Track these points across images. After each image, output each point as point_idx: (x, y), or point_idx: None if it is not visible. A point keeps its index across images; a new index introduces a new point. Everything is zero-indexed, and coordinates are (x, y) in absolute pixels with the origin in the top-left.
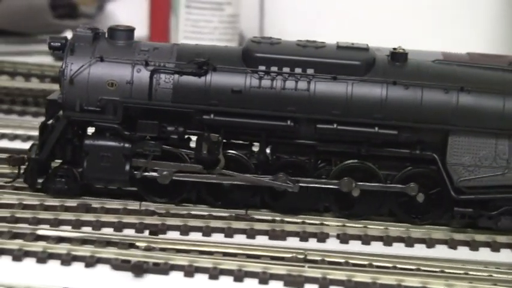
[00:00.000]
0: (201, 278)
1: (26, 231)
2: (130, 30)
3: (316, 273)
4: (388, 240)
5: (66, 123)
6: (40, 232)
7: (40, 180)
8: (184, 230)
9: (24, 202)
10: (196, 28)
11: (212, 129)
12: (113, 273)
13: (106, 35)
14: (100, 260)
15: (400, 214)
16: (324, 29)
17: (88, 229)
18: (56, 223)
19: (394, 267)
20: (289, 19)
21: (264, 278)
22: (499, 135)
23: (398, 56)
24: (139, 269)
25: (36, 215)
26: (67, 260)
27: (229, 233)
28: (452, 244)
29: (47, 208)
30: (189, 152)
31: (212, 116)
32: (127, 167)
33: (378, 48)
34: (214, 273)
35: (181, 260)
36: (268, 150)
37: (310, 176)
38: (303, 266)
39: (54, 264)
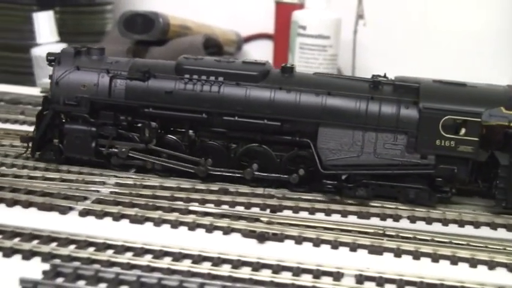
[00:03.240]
0: (307, 246)
1: (181, 207)
2: (101, 49)
3: (392, 244)
4: (445, 222)
5: (53, 113)
6: (191, 208)
7: (38, 153)
8: (296, 210)
9: (181, 186)
10: (306, 64)
11: (151, 119)
12: (243, 239)
13: (86, 52)
14: (234, 230)
15: (289, 187)
16: (403, 65)
17: (226, 207)
18: (202, 202)
19: (450, 242)
20: (375, 58)
21: (353, 247)
22: (355, 127)
23: (286, 69)
24: (262, 237)
25: (189, 195)
26: (210, 229)
27: (328, 212)
28: (493, 226)
29: (197, 190)
30: (137, 135)
31: (151, 109)
32: (93, 144)
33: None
34: (317, 242)
35: (293, 232)
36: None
37: (224, 155)
38: (382, 239)
39: (200, 232)
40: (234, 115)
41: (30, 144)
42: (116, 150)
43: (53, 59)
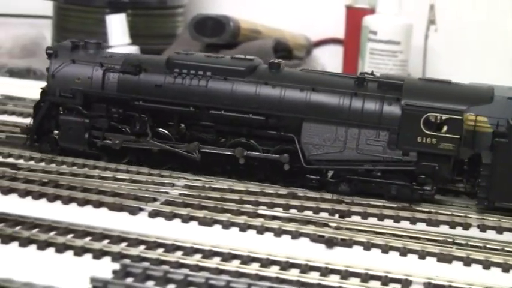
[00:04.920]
0: (376, 252)
1: (249, 210)
2: (98, 43)
3: (461, 253)
4: None
5: (49, 105)
6: (260, 211)
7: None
8: (364, 216)
9: (250, 189)
10: (376, 69)
11: (142, 112)
12: (311, 244)
13: (83, 46)
14: (302, 234)
15: (273, 179)
16: (476, 72)
17: (294, 211)
18: (271, 205)
19: None
20: (447, 64)
21: (422, 254)
22: (338, 123)
23: (274, 65)
24: (330, 242)
25: (257, 199)
26: (278, 233)
27: (397, 219)
28: None
29: (265, 194)
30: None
31: (141, 102)
32: (86, 136)
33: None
34: (385, 249)
35: (361, 238)
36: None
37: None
38: (452, 247)
39: (269, 236)
40: (221, 109)
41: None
42: (109, 142)
43: (52, 53)
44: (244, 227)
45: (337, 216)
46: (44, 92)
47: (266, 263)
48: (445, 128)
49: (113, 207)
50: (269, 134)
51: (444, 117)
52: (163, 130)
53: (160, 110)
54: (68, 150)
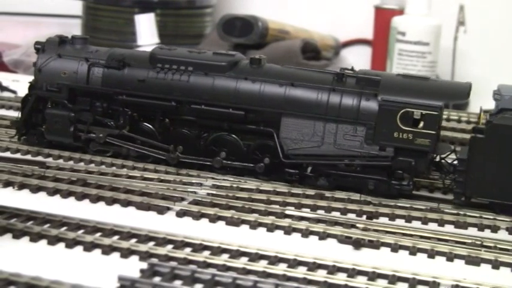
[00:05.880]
0: (403, 254)
1: (277, 211)
2: (85, 38)
3: (490, 256)
4: None
5: (36, 98)
6: (287, 212)
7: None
8: (392, 217)
9: (277, 189)
10: (404, 70)
11: (126, 106)
12: (339, 245)
13: (70, 41)
14: (329, 235)
15: (253, 172)
16: (507, 74)
17: (321, 212)
18: (298, 206)
19: None
20: (476, 66)
21: (450, 256)
22: (316, 118)
23: (255, 61)
24: (358, 244)
25: (285, 199)
26: (306, 233)
27: (425, 221)
28: None
29: (293, 195)
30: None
31: (124, 96)
32: (71, 129)
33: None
34: (413, 251)
35: (389, 239)
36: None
37: (194, 143)
38: (480, 250)
39: (296, 236)
40: (201, 104)
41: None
42: (93, 135)
43: (40, 48)
44: (271, 228)
45: (364, 217)
46: (31, 86)
47: (293, 263)
48: (421, 124)
49: (141, 207)
50: (249, 129)
51: (420, 112)
52: (147, 124)
53: (142, 104)
54: (55, 143)
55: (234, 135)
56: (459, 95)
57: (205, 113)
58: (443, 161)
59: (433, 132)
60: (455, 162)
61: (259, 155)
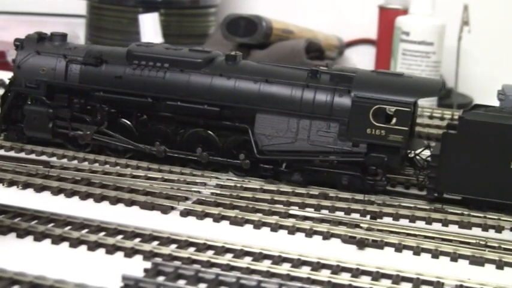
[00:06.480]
0: (407, 254)
1: (281, 211)
2: (63, 35)
3: (494, 256)
4: None
5: (15, 95)
6: (291, 211)
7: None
8: (396, 217)
9: (281, 189)
10: (408, 70)
11: (103, 103)
12: (342, 245)
13: (49, 38)
14: (333, 235)
15: (229, 167)
16: (506, 70)
17: (325, 212)
18: (302, 206)
19: None
20: (480, 66)
21: (454, 256)
22: (290, 114)
23: (230, 58)
24: (362, 244)
25: (289, 199)
26: (309, 233)
27: (429, 221)
28: None
29: (297, 194)
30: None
31: (101, 93)
32: (50, 125)
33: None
34: (417, 251)
35: (393, 239)
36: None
37: (171, 139)
38: (484, 250)
39: (300, 236)
40: (177, 100)
41: None
42: (80, 132)
43: (19, 45)
44: (275, 227)
45: (368, 217)
46: (11, 82)
47: (297, 263)
48: (394, 120)
49: (145, 206)
50: (224, 125)
51: (393, 109)
52: (125, 121)
53: (119, 100)
54: (34, 139)
55: (210, 132)
56: (431, 91)
57: (181, 109)
58: (417, 157)
59: (406, 128)
60: (429, 158)
61: (235, 151)
